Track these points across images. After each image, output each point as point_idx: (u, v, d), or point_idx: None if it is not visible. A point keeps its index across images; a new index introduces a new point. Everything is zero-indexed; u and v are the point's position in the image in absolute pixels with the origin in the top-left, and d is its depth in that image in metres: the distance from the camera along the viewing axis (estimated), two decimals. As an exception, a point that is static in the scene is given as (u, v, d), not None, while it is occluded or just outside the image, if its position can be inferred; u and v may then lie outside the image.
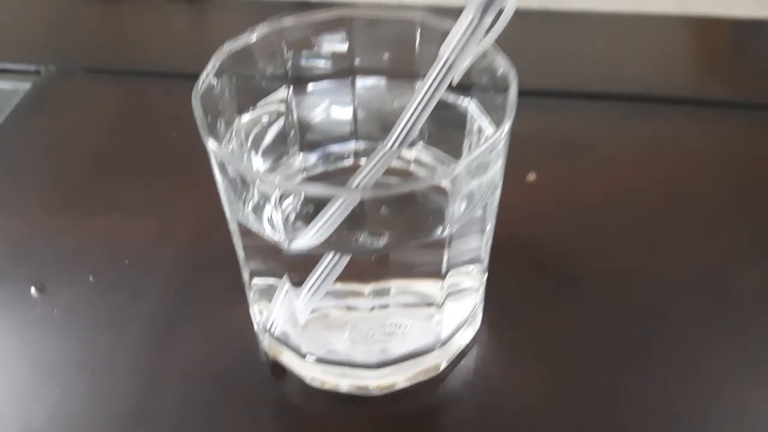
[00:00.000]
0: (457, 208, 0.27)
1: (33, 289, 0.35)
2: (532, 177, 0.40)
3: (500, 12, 0.26)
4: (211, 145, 0.24)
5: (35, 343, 0.33)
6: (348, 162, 0.34)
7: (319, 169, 0.34)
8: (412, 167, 0.33)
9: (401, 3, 0.30)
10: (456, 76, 0.27)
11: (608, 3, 0.54)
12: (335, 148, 0.34)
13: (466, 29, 0.26)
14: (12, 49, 0.52)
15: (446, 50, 0.26)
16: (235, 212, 0.28)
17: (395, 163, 0.32)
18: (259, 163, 0.32)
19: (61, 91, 0.49)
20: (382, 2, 0.30)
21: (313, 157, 0.34)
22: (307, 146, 0.33)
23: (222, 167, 0.26)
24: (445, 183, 0.25)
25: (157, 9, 0.57)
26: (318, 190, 0.26)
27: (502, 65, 0.27)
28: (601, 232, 0.38)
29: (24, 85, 0.49)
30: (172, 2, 0.57)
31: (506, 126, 0.25)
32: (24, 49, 0.52)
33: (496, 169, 0.27)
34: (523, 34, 0.49)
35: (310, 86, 0.32)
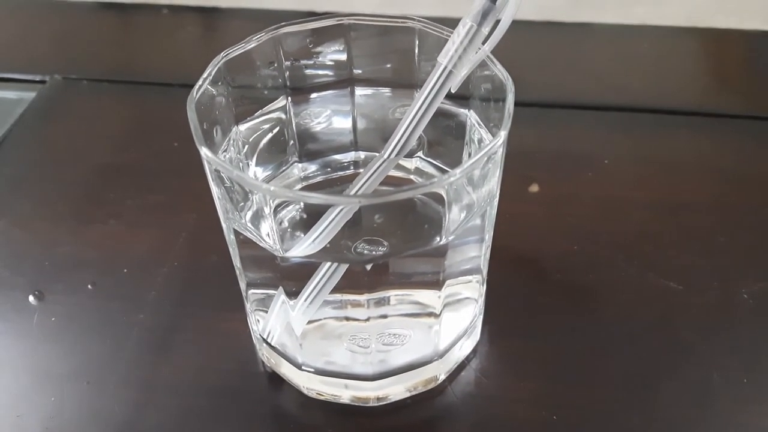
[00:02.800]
0: (454, 217, 0.27)
1: (32, 297, 0.35)
2: (534, 188, 0.40)
3: (498, 21, 0.26)
4: (204, 152, 0.24)
5: (32, 350, 0.33)
6: (348, 172, 0.34)
7: (319, 179, 0.33)
8: (413, 178, 0.33)
9: (401, 12, 0.30)
10: (454, 84, 0.27)
11: (616, 15, 0.53)
12: (335, 158, 0.34)
13: (464, 37, 0.26)
14: (17, 59, 0.53)
15: (444, 58, 0.26)
16: (230, 222, 0.27)
17: (395, 174, 0.32)
18: (257, 172, 0.32)
19: (66, 101, 0.49)
20: (382, 11, 0.30)
21: (312, 167, 0.33)
22: (307, 156, 0.33)
23: (216, 175, 0.25)
24: (442, 191, 0.25)
25: (163, 19, 0.57)
26: (315, 198, 0.25)
27: (501, 75, 0.27)
28: (604, 245, 0.37)
29: (29, 95, 0.49)
30: (179, 12, 0.57)
31: (502, 135, 0.25)
32: (29, 59, 0.52)
33: (493, 178, 0.27)
34: (530, 46, 0.49)
35: (309, 95, 0.32)
